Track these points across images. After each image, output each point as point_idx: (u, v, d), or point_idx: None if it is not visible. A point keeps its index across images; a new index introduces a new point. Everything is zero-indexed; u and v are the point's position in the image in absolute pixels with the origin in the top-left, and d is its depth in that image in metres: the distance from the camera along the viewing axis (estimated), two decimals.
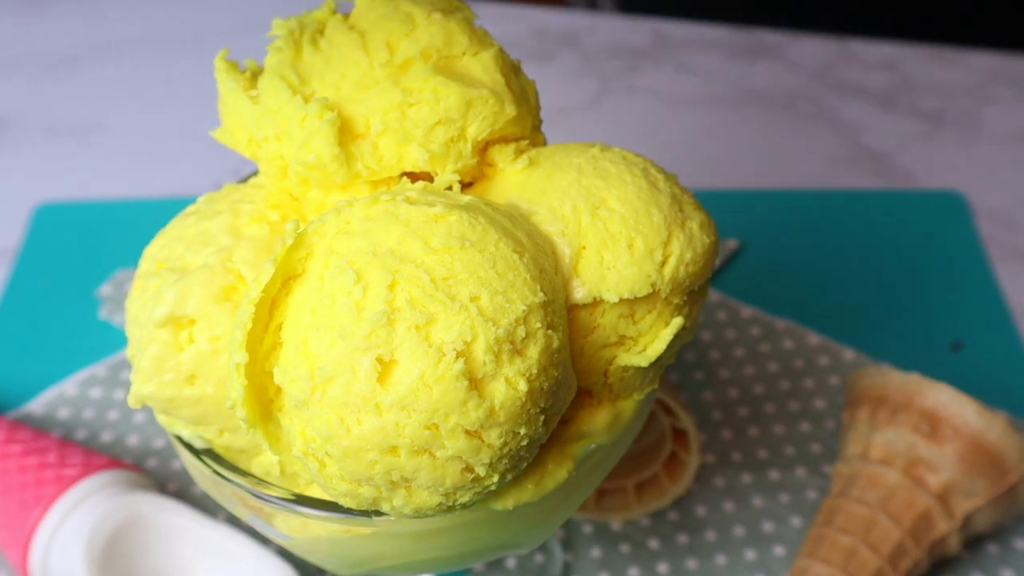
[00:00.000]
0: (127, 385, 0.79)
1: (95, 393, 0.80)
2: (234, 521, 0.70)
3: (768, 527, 0.72)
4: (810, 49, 1.16)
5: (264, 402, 0.44)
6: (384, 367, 0.40)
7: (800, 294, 0.88)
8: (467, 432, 0.41)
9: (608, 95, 1.11)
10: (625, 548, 0.71)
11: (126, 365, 0.81)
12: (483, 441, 0.41)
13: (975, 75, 1.12)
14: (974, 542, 0.71)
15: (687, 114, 1.09)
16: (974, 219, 0.95)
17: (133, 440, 0.77)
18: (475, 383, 0.40)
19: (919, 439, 0.67)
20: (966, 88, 1.11)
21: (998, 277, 0.90)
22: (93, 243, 0.92)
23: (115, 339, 0.84)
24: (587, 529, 0.71)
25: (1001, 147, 1.04)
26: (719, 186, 0.98)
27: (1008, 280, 0.90)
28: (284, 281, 0.44)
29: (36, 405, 0.79)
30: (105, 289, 0.87)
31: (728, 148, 1.05)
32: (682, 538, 0.71)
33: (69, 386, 0.80)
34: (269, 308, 0.44)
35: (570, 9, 1.24)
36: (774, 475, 0.75)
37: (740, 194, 0.97)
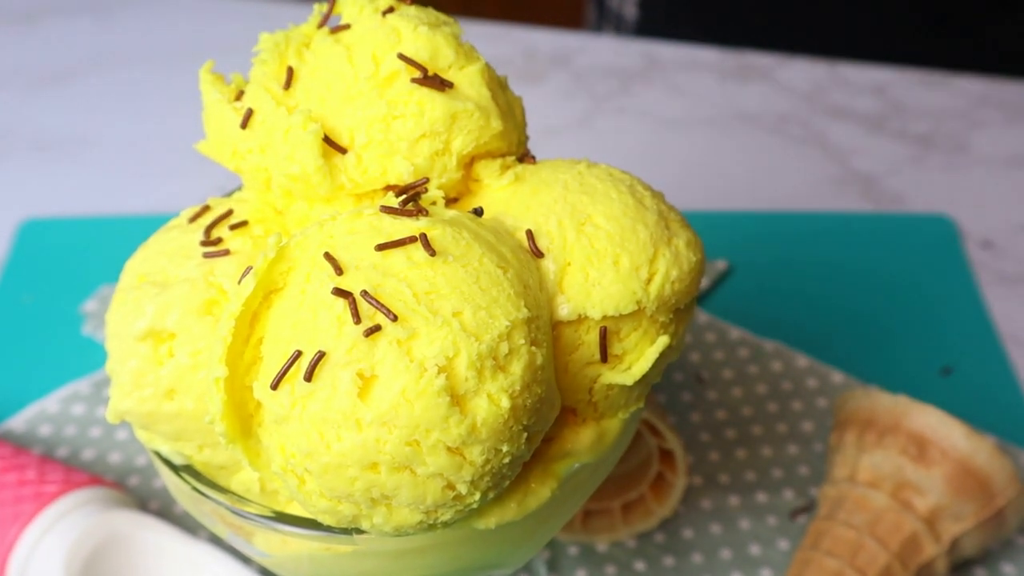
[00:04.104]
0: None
1: (77, 410, 0.79)
2: (216, 540, 0.69)
3: (755, 550, 0.71)
4: (800, 72, 1.16)
5: (244, 417, 0.43)
6: (365, 382, 0.40)
7: (789, 316, 0.88)
8: (448, 449, 0.40)
9: (598, 116, 1.11)
10: (611, 570, 0.70)
11: (109, 382, 0.80)
12: (465, 458, 0.41)
13: (964, 100, 1.12)
14: (962, 566, 0.70)
15: (677, 135, 1.09)
16: (963, 243, 0.95)
17: (115, 457, 0.76)
18: (457, 399, 0.40)
19: (907, 462, 0.66)
20: (955, 112, 1.11)
21: (987, 301, 0.90)
22: (78, 259, 0.92)
23: (98, 355, 0.83)
24: (573, 551, 0.71)
25: (990, 171, 1.04)
26: (709, 207, 0.98)
27: (996, 304, 0.90)
28: (265, 295, 0.44)
29: (17, 421, 0.78)
30: (89, 305, 0.87)
31: (718, 170, 1.04)
32: (668, 560, 0.71)
33: (51, 402, 0.79)
34: (250, 322, 0.43)
35: (561, 30, 1.24)
36: (761, 497, 0.74)
37: (730, 216, 0.96)
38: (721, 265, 0.91)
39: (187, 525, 0.71)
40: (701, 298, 0.89)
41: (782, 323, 0.87)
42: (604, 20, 1.33)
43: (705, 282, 0.88)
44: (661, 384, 0.81)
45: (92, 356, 0.83)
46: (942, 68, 1.17)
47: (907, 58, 1.18)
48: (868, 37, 1.24)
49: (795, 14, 1.24)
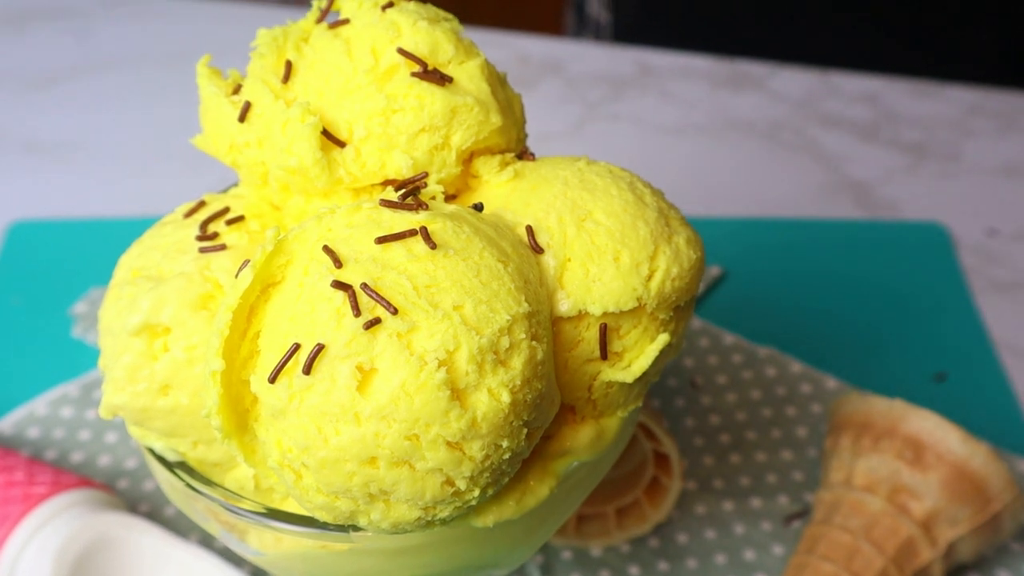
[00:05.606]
0: (99, 404, 0.78)
1: (66, 412, 0.78)
2: (207, 543, 0.68)
3: (750, 555, 0.71)
4: (793, 80, 1.16)
5: (240, 412, 0.43)
6: (364, 375, 0.39)
7: (782, 323, 0.88)
8: (448, 444, 0.40)
9: (591, 122, 1.11)
10: (605, 574, 0.69)
11: (99, 384, 0.80)
12: (464, 453, 0.40)
13: (956, 109, 1.13)
14: (957, 572, 0.70)
15: (670, 142, 1.09)
16: (956, 251, 0.95)
17: (104, 460, 0.75)
18: (457, 393, 0.40)
19: (902, 466, 0.66)
20: (947, 121, 1.11)
21: (980, 308, 0.90)
22: (68, 261, 0.91)
23: (88, 358, 0.82)
24: (567, 555, 0.70)
25: (982, 179, 1.04)
26: (702, 214, 0.97)
27: (990, 311, 0.90)
28: (263, 288, 0.43)
29: (5, 424, 0.77)
30: (79, 307, 0.86)
31: (711, 177, 1.04)
32: (663, 565, 0.70)
33: (40, 405, 0.78)
34: (247, 316, 0.43)
35: (554, 37, 1.24)
36: (756, 503, 0.74)
37: (723, 222, 0.96)
38: (715, 271, 0.91)
39: (177, 528, 0.70)
40: (695, 303, 0.88)
41: (776, 329, 0.87)
42: (584, 27, 1.33)
43: (699, 288, 0.88)
44: (655, 389, 0.81)
45: (81, 358, 0.83)
46: (934, 77, 1.17)
47: (899, 67, 1.19)
48: (860, 46, 1.25)
49: (787, 23, 1.25)
